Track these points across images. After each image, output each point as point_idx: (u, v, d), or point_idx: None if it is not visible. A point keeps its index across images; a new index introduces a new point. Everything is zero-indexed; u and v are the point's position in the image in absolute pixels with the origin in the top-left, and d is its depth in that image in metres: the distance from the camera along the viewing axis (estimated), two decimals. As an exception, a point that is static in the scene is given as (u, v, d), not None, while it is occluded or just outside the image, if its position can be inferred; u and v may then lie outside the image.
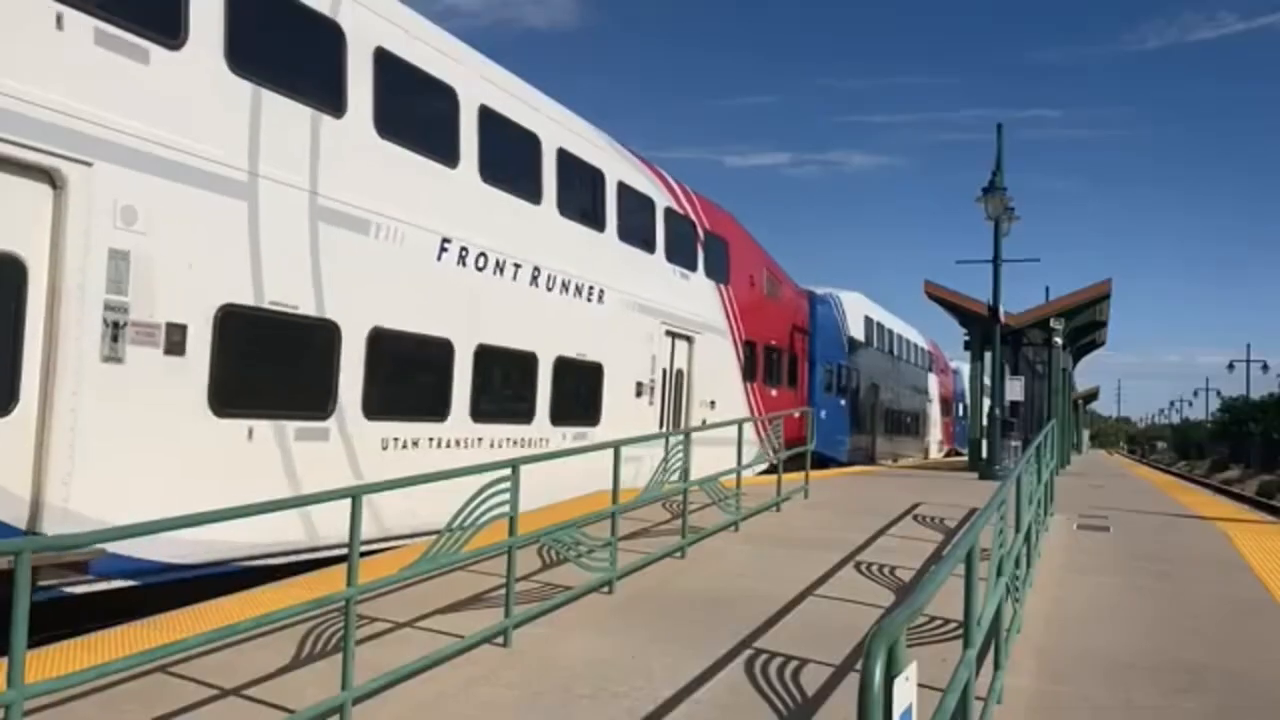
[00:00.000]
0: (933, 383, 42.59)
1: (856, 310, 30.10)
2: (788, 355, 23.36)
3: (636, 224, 15.36)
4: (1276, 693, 5.63)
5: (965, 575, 3.97)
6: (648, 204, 15.88)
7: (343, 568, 5.63)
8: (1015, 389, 22.73)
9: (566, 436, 12.89)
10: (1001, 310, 20.61)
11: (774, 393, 22.04)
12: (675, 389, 16.80)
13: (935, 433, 43.29)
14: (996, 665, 4.88)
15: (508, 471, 6.15)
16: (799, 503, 13.03)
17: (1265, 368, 63.62)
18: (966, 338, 25.46)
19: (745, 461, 11.62)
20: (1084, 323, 25.56)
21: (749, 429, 13.30)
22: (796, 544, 9.94)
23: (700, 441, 10.86)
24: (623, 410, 14.51)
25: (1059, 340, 23.97)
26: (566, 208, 13.05)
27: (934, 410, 43.24)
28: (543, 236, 12.58)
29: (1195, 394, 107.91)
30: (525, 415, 12.30)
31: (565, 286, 13.06)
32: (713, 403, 18.17)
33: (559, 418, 12.86)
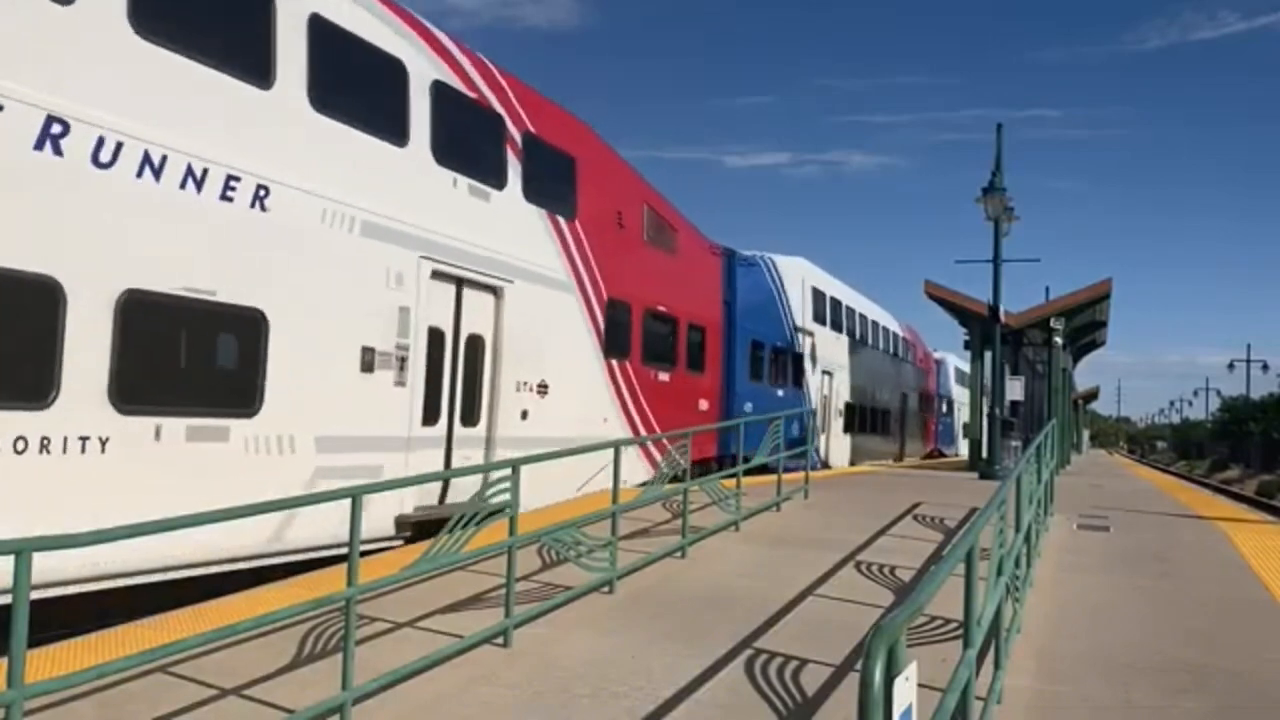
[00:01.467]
0: (909, 374, 36.36)
1: (798, 278, 23.98)
2: (688, 327, 17.22)
3: (362, 92, 9.87)
4: (1276, 693, 5.63)
5: (965, 575, 3.97)
6: (393, 68, 10.14)
7: (343, 568, 5.63)
8: (1015, 389, 22.73)
9: (153, 434, 7.48)
10: (1001, 310, 20.62)
11: (662, 377, 16.11)
12: (465, 365, 11.37)
13: (913, 432, 36.82)
14: (996, 665, 4.88)
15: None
16: (799, 502, 13.03)
17: (1265, 368, 63.65)
18: (966, 338, 25.48)
19: (623, 478, 8.25)
20: (1084, 323, 25.60)
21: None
22: (796, 544, 9.94)
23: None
24: (324, 392, 9.04)
25: (1059, 340, 23.99)
26: (160, 32, 7.61)
27: (911, 406, 36.50)
28: (81, 60, 7.11)
29: (1195, 394, 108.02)
30: (34, 394, 6.76)
31: (153, 167, 7.49)
32: (541, 387, 12.54)
33: (132, 398, 7.34)
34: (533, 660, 5.89)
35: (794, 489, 13.06)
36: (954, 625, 6.12)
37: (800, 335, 23.72)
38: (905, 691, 2.51)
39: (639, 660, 5.91)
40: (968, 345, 25.45)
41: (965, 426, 40.84)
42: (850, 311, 28.22)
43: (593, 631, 6.54)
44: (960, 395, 43.42)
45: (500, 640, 6.09)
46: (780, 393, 22.27)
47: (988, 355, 22.94)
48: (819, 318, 25.11)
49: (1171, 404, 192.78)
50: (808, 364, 23.99)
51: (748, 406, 19.28)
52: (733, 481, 11.07)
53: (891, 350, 33.67)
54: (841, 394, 27.21)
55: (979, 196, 19.76)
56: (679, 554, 8.98)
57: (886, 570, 8.66)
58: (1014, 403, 22.70)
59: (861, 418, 29.34)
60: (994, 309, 20.42)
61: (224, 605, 6.80)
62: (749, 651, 6.11)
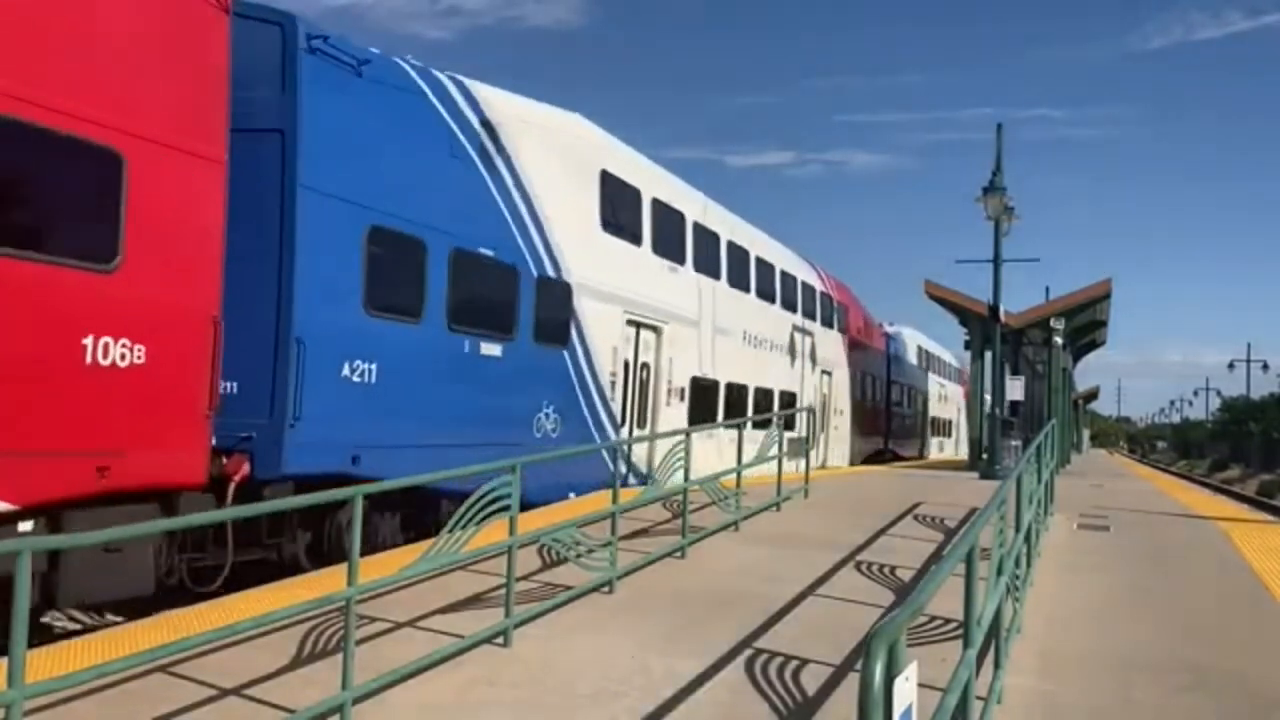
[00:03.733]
0: (832, 343, 25.84)
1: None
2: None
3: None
4: (1276, 692, 5.63)
5: (965, 575, 3.97)
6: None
7: (343, 567, 5.63)
8: (1015, 389, 22.74)
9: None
10: (1001, 310, 20.63)
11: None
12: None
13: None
14: (996, 665, 4.87)
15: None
16: (799, 502, 13.03)
17: (1265, 367, 63.70)
18: (967, 337, 25.50)
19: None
20: (1084, 322, 25.62)
21: None
22: (796, 544, 9.94)
23: None
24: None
25: (1059, 340, 24.00)
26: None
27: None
28: None
29: (1195, 394, 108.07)
30: None
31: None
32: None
33: None
34: (533, 660, 5.89)
35: (794, 489, 13.06)
36: (954, 625, 6.12)
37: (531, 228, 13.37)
38: (905, 691, 2.51)
39: (639, 660, 5.91)
40: (968, 345, 25.46)
41: (939, 423, 41.56)
42: (670, 215, 16.53)
43: (593, 631, 6.54)
44: (932, 384, 39.99)
45: (500, 640, 6.09)
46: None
47: (988, 355, 22.95)
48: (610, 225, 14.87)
49: (1172, 404, 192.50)
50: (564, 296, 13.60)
51: (379, 368, 11.97)
52: (732, 481, 11.07)
53: (791, 301, 22.14)
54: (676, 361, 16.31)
55: (979, 196, 19.76)
56: (679, 554, 8.98)
57: (886, 570, 8.66)
58: (1014, 403, 22.71)
59: (708, 399, 17.59)
60: (994, 309, 20.43)
61: (224, 605, 6.80)
62: (749, 651, 6.11)
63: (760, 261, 20.47)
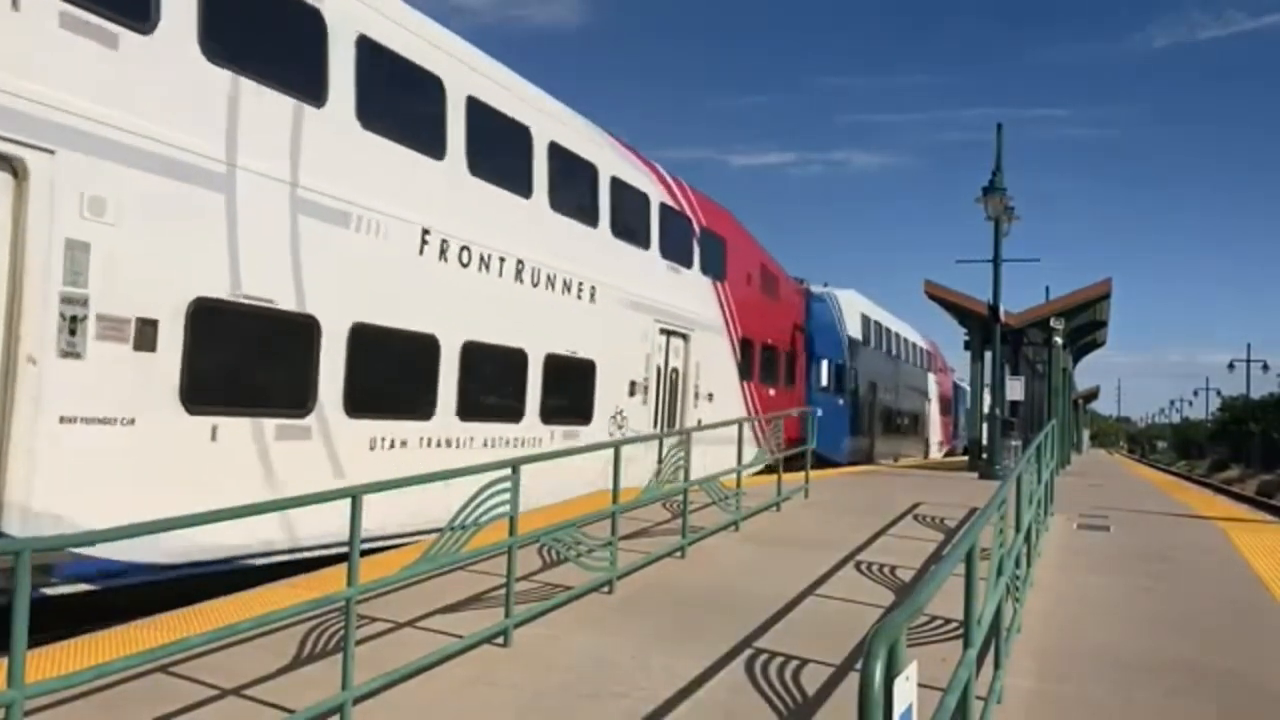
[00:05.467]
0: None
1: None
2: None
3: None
4: (1276, 692, 5.63)
5: (965, 575, 3.97)
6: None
7: (343, 567, 5.63)
8: (1015, 389, 22.74)
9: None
10: (1001, 310, 20.62)
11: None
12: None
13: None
14: (996, 665, 4.87)
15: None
16: (799, 502, 13.03)
17: (1265, 367, 63.64)
18: (966, 337, 25.48)
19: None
20: (1084, 322, 25.59)
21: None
22: (797, 544, 9.94)
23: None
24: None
25: (1059, 340, 23.99)
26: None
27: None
28: None
29: (1195, 393, 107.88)
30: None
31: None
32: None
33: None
34: (533, 660, 5.89)
35: (794, 489, 13.06)
36: (954, 625, 6.12)
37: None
38: (905, 691, 2.51)
39: (639, 660, 5.91)
40: (968, 345, 25.45)
41: (894, 419, 32.46)
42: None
43: (593, 631, 6.54)
44: (882, 370, 30.73)
45: (500, 640, 6.09)
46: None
47: (988, 355, 22.95)
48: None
49: (1172, 404, 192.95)
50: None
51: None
52: (733, 481, 11.07)
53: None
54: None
55: (979, 196, 19.77)
56: (679, 554, 8.98)
57: (887, 570, 8.65)
58: (1014, 403, 22.71)
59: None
60: (994, 309, 20.43)
61: (224, 605, 6.80)
62: (749, 651, 6.11)
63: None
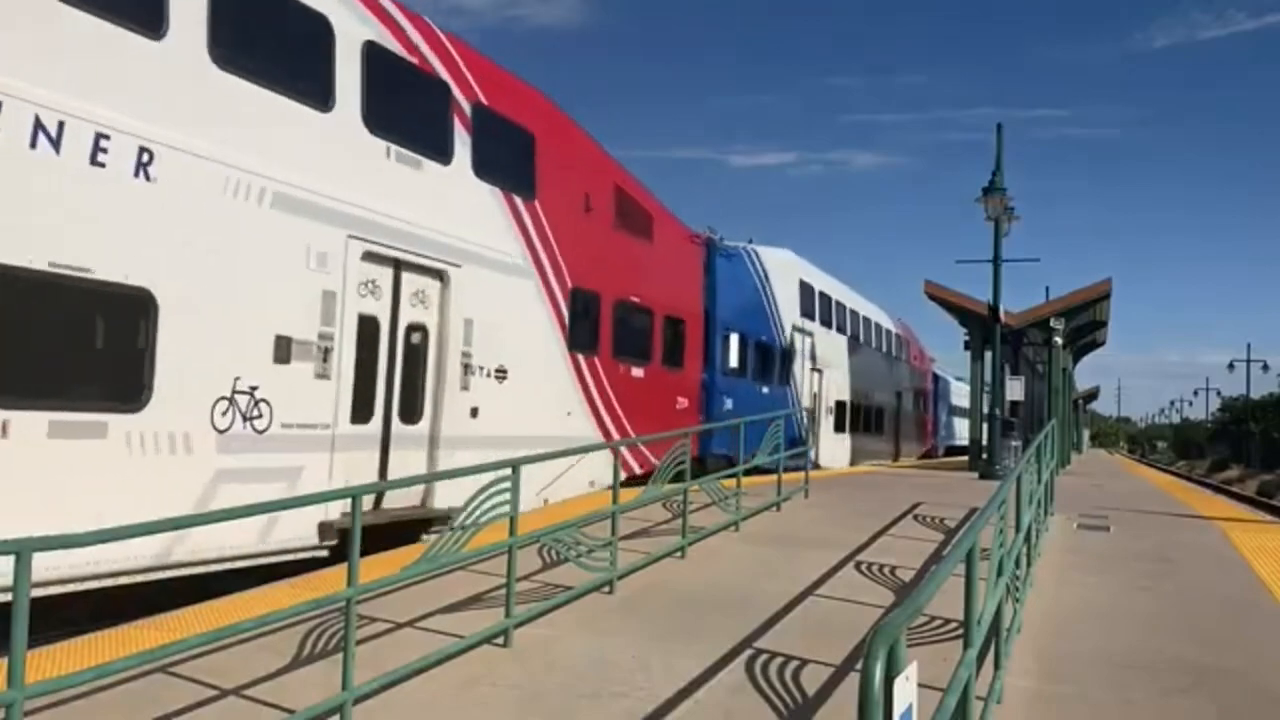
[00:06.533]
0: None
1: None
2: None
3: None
4: (1276, 692, 5.63)
5: (965, 575, 3.97)
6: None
7: (343, 567, 5.63)
8: (1015, 389, 22.74)
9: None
10: (1001, 310, 20.63)
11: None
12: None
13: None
14: (996, 665, 4.87)
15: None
16: (799, 502, 13.03)
17: (1265, 368, 63.66)
18: (966, 338, 25.49)
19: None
20: (1084, 322, 25.62)
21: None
22: (796, 544, 9.94)
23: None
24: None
25: (1059, 340, 24.00)
26: None
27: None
28: None
29: (1196, 394, 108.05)
30: None
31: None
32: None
33: None
34: (533, 660, 5.89)
35: (794, 489, 13.06)
36: (954, 625, 6.11)
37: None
38: (905, 691, 2.52)
39: (639, 660, 5.91)
40: (968, 345, 25.46)
41: (843, 413, 26.17)
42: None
43: (593, 631, 6.54)
44: (828, 353, 25.27)
45: (500, 640, 6.09)
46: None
47: (988, 355, 22.95)
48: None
49: (1172, 404, 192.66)
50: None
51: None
52: (732, 481, 11.07)
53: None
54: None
55: (979, 197, 19.78)
56: (679, 554, 8.98)
57: (887, 570, 8.65)
58: (1014, 403, 22.71)
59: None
60: (994, 309, 20.43)
61: (224, 605, 6.81)
62: (749, 651, 6.11)
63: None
